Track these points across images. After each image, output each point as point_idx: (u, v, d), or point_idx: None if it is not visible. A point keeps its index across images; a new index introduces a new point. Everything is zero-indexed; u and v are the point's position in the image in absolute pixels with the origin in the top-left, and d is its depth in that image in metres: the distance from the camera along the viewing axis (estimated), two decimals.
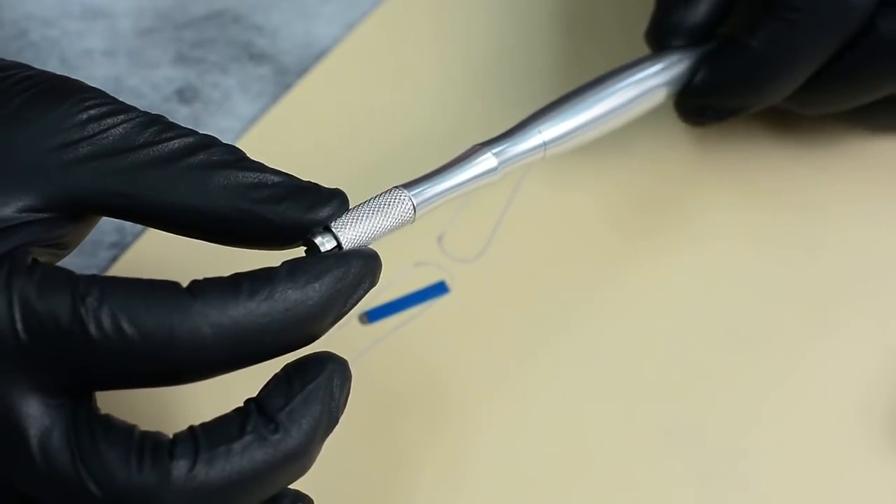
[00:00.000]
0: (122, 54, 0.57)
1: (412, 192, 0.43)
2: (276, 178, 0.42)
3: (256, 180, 0.41)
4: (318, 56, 0.57)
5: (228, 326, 0.39)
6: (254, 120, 0.56)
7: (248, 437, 0.39)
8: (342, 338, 0.51)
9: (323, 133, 0.55)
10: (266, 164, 0.42)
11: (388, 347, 0.51)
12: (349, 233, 0.42)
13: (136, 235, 0.53)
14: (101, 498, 0.38)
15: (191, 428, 0.39)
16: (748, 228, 0.54)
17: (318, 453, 0.41)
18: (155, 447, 0.39)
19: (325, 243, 0.41)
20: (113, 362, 0.39)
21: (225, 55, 0.57)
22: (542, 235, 0.53)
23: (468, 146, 0.48)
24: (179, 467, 0.38)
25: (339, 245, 0.42)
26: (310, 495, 0.47)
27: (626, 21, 0.57)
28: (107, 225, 0.52)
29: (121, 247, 0.53)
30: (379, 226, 0.43)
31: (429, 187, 0.44)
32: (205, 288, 0.39)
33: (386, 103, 0.56)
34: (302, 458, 0.40)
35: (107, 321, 0.38)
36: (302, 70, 0.57)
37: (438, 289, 0.52)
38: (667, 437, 0.50)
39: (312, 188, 0.42)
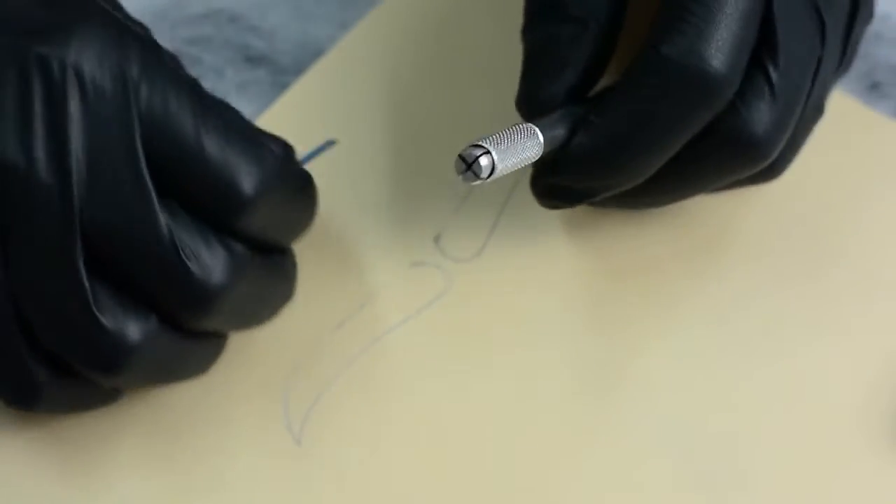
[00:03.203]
0: None
1: (540, 128, 0.45)
2: None
3: None
4: (315, 56, 0.57)
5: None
6: (251, 120, 0.55)
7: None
8: (341, 338, 0.51)
9: (320, 133, 0.54)
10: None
11: (386, 347, 0.51)
12: (503, 159, 0.43)
13: None
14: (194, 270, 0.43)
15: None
16: (748, 229, 0.54)
17: None
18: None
19: (483, 163, 0.42)
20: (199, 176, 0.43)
21: (221, 55, 0.57)
22: (540, 235, 0.53)
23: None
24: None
25: (493, 167, 0.43)
26: (303, 495, 0.47)
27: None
28: None
29: None
30: (519, 155, 0.44)
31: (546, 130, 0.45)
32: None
33: (383, 103, 0.56)
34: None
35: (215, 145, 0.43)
36: (299, 70, 0.57)
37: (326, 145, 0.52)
38: (666, 438, 0.50)
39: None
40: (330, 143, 0.50)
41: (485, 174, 0.43)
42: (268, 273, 0.45)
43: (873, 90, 0.58)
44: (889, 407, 0.51)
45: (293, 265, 0.47)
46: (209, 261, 0.43)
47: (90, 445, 0.48)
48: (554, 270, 0.53)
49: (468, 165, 0.43)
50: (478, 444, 0.49)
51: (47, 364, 0.43)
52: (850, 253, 0.54)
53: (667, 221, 0.53)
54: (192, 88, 0.43)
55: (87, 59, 0.41)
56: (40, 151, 0.41)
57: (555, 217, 0.53)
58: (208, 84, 0.48)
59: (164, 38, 0.57)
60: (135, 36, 0.43)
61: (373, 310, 0.51)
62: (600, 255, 0.53)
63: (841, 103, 0.56)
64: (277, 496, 0.48)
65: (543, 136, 0.45)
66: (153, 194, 0.42)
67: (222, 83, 0.57)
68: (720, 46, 0.45)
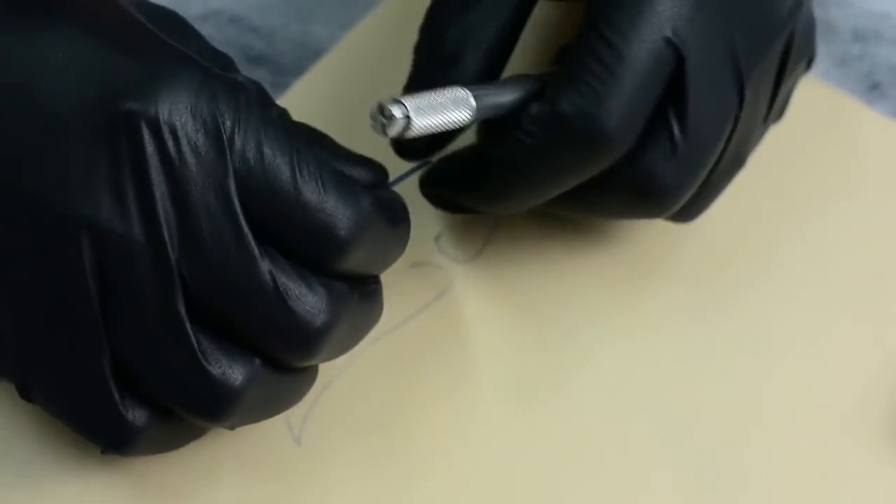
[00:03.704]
0: None
1: (474, 93, 0.45)
2: None
3: None
4: (315, 56, 0.57)
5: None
6: None
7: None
8: None
9: None
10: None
11: (386, 347, 0.51)
12: (417, 108, 0.43)
13: None
14: (297, 310, 0.43)
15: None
16: (747, 229, 0.54)
17: None
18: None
19: (396, 114, 0.43)
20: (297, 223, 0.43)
21: None
22: (540, 235, 0.53)
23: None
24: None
25: (408, 118, 0.43)
26: (303, 495, 0.47)
27: None
28: None
29: None
30: (442, 113, 0.44)
31: (487, 96, 0.45)
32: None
33: None
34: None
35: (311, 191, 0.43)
36: (299, 70, 0.57)
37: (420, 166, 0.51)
38: (665, 438, 0.50)
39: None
40: (425, 164, 0.49)
41: (397, 127, 0.43)
42: (365, 304, 0.46)
43: (873, 90, 0.58)
44: (888, 407, 0.51)
45: (380, 287, 0.47)
46: (312, 302, 0.43)
47: (90, 445, 0.48)
48: (553, 271, 0.53)
49: (383, 117, 0.43)
50: (478, 443, 0.49)
51: (145, 410, 0.44)
52: (849, 252, 0.54)
53: (675, 230, 0.53)
54: (285, 130, 0.43)
55: (177, 113, 0.41)
56: (132, 209, 0.41)
57: (554, 218, 0.53)
58: None
59: None
60: (224, 82, 0.42)
61: None
62: (600, 256, 0.53)
63: (841, 103, 0.56)
64: (278, 496, 0.48)
65: (477, 101, 0.45)
66: (252, 242, 0.42)
67: None
68: (618, 109, 0.45)
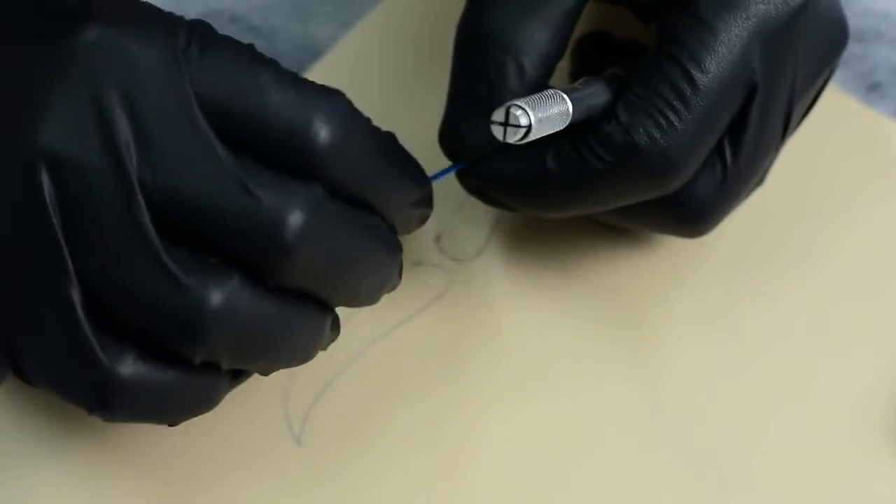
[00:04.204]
0: None
1: (570, 96, 0.44)
2: None
3: None
4: (315, 56, 0.57)
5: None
6: None
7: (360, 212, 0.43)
8: (341, 338, 0.51)
9: None
10: None
11: (386, 347, 0.51)
12: (537, 117, 0.43)
13: None
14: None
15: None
16: (747, 230, 0.54)
17: None
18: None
19: (522, 122, 0.42)
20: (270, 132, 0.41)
21: None
22: (540, 234, 0.53)
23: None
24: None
25: (529, 126, 0.42)
26: (303, 495, 0.47)
27: (624, 21, 0.57)
28: None
29: None
30: (551, 120, 0.43)
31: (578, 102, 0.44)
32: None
33: (383, 103, 0.56)
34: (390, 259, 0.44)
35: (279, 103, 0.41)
36: (299, 70, 0.57)
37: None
38: (665, 438, 0.50)
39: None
40: (458, 166, 0.49)
41: (519, 134, 0.42)
42: (357, 229, 0.43)
43: (873, 90, 0.58)
44: (888, 407, 0.51)
45: (393, 235, 0.44)
46: (284, 199, 0.40)
47: (90, 445, 0.48)
48: (553, 270, 0.53)
49: (504, 125, 0.43)
50: (478, 443, 0.49)
51: (127, 355, 0.41)
52: (849, 253, 0.54)
53: None
54: (241, 44, 0.42)
55: (130, 40, 0.40)
56: (90, 132, 0.40)
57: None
58: None
59: None
60: (178, 18, 0.42)
61: (373, 310, 0.50)
62: (601, 256, 0.53)
63: (841, 103, 0.56)
64: (277, 496, 0.48)
65: (573, 105, 0.44)
66: (216, 144, 0.40)
67: None
68: (691, 144, 0.45)
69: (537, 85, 0.46)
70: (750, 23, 0.45)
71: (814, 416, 0.50)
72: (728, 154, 0.47)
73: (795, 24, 0.46)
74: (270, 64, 0.42)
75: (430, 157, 0.53)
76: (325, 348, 0.44)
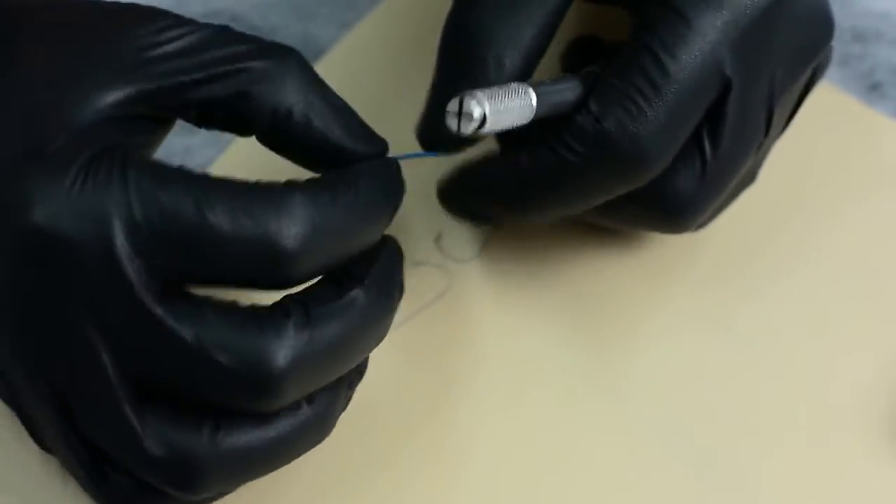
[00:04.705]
0: None
1: (537, 90, 0.43)
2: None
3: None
4: (315, 56, 0.57)
5: (326, 224, 0.40)
6: None
7: (348, 297, 0.41)
8: None
9: None
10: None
11: (385, 347, 0.51)
12: (494, 108, 0.42)
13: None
14: (226, 363, 0.39)
15: (290, 296, 0.41)
16: (746, 230, 0.54)
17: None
18: (270, 310, 0.40)
19: (475, 113, 0.41)
20: (224, 255, 0.39)
21: None
22: (540, 234, 0.53)
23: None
24: (297, 325, 0.40)
25: (484, 117, 0.42)
26: (304, 495, 0.47)
27: (623, 21, 0.57)
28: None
29: None
30: (510, 112, 0.42)
31: (544, 97, 0.44)
32: (302, 187, 0.40)
33: (383, 103, 0.56)
34: (387, 320, 0.43)
35: (224, 214, 0.39)
36: None
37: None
38: (665, 438, 0.50)
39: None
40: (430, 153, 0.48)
41: (473, 125, 0.42)
42: (344, 328, 0.42)
43: (873, 90, 0.58)
44: (888, 407, 0.51)
45: (379, 299, 0.43)
46: (262, 351, 0.40)
47: None
48: (553, 271, 0.53)
49: (458, 114, 0.42)
50: (478, 443, 0.49)
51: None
52: (849, 252, 0.54)
53: None
54: (175, 169, 0.40)
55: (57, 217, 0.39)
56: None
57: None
58: None
59: None
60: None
61: None
62: (600, 256, 0.53)
63: (841, 103, 0.57)
64: (277, 496, 0.48)
65: (539, 98, 0.44)
66: (160, 312, 0.39)
67: None
68: (663, 133, 0.45)
69: (516, 81, 0.46)
70: (725, 13, 0.45)
71: (813, 416, 0.50)
72: (707, 147, 0.47)
73: (773, 15, 0.46)
74: (209, 185, 0.40)
75: (430, 157, 0.53)
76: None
